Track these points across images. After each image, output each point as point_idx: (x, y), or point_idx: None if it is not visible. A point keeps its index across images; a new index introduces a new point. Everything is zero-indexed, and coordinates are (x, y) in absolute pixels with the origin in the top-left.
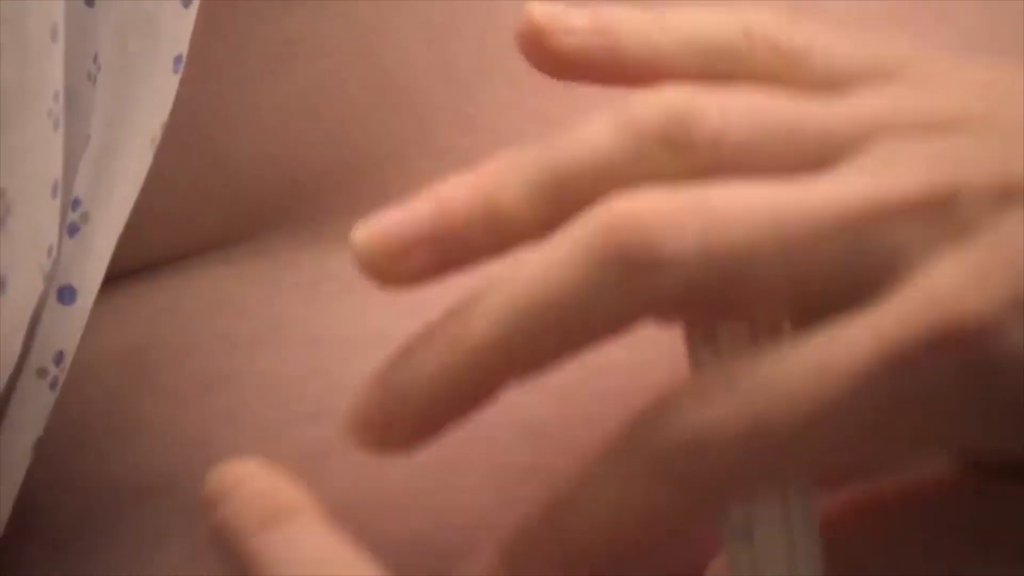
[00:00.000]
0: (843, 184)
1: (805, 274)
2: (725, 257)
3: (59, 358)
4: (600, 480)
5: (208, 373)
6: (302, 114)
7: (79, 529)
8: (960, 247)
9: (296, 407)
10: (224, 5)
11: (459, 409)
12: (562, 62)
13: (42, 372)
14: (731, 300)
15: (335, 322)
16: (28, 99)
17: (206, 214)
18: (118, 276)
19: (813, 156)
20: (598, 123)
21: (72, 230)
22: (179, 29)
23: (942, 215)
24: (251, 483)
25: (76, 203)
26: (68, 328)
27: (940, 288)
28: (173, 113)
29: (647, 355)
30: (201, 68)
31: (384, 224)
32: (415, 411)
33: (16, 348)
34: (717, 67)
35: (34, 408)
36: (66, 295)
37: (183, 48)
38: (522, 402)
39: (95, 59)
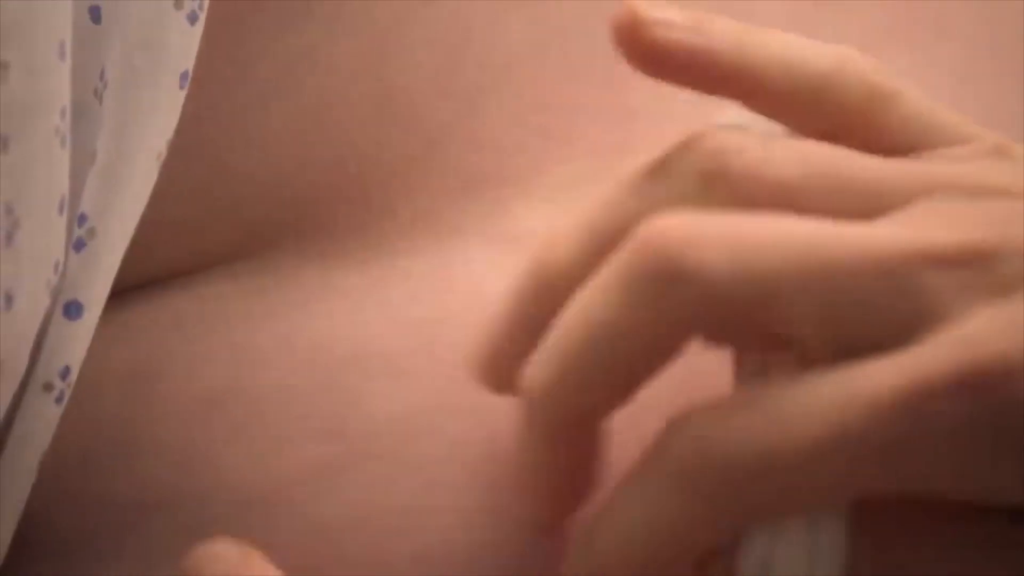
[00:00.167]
0: (886, 229)
1: (838, 308)
2: (754, 275)
3: (65, 373)
4: (627, 498)
5: (214, 389)
6: (309, 131)
7: (83, 544)
8: (996, 302)
9: (302, 423)
10: (231, 22)
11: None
12: (655, 56)
13: (48, 387)
14: (760, 321)
15: (341, 338)
16: (36, 116)
17: (212, 230)
18: (124, 291)
19: (861, 206)
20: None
21: (78, 245)
22: (185, 46)
23: (982, 270)
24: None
25: (82, 219)
26: (74, 343)
27: (971, 333)
28: (179, 129)
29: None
30: (207, 84)
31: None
32: None
33: (22, 363)
34: (803, 90)
35: (40, 423)
36: (72, 310)
37: (189, 64)
38: None
39: (102, 75)
